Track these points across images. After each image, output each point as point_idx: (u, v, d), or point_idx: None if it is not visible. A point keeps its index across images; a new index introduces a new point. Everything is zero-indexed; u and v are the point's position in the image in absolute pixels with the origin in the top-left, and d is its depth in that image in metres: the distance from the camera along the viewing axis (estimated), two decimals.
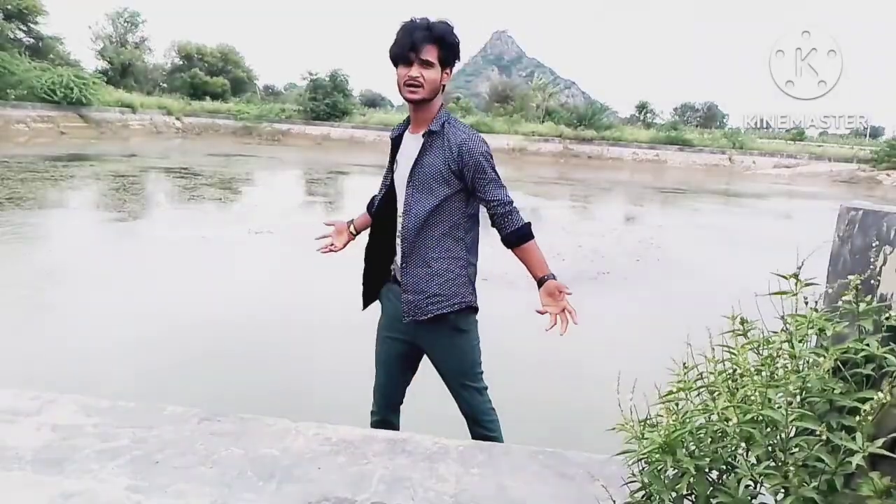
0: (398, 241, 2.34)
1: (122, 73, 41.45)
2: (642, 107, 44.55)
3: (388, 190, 2.40)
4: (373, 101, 55.93)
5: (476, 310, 2.38)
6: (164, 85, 45.60)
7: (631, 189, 21.33)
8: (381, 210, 2.43)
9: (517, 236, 2.26)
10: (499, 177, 2.25)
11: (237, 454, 2.05)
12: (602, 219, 13.49)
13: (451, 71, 2.24)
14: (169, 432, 2.16)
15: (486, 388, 2.45)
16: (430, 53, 2.15)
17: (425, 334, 2.35)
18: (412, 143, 2.31)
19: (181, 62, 46.44)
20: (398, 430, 2.54)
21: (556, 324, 2.17)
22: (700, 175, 29.15)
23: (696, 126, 46.36)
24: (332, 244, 2.62)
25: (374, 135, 35.68)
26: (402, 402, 2.60)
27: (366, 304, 2.53)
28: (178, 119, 34.50)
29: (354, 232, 2.63)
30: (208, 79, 43.07)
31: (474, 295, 2.35)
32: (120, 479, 1.87)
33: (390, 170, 2.41)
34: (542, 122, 37.45)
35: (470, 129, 2.28)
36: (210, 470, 1.95)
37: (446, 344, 2.36)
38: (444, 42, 2.16)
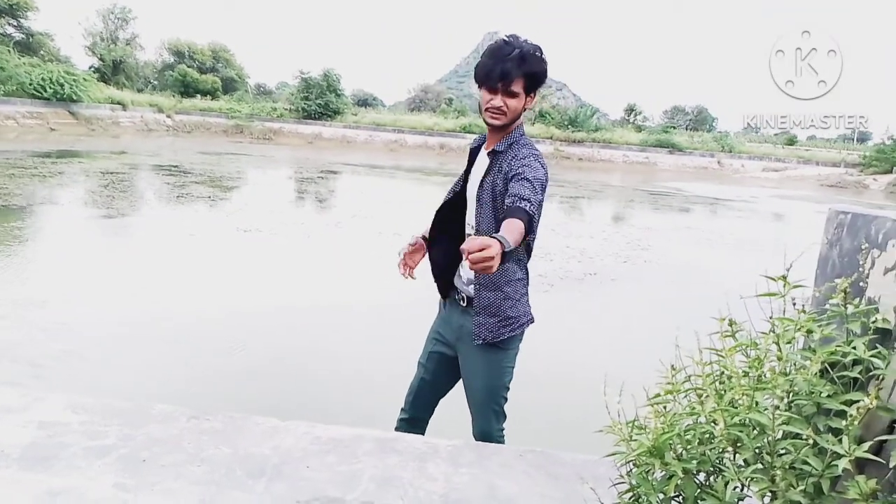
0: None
1: (112, 69, 41.23)
2: (630, 109, 44.74)
3: (458, 196, 2.35)
4: (364, 101, 56.01)
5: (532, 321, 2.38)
6: (155, 82, 45.40)
7: (620, 191, 21.41)
8: (447, 213, 2.38)
9: (515, 209, 1.93)
10: (537, 191, 2.02)
11: (226, 452, 2.05)
12: (591, 220, 13.53)
13: (535, 94, 2.19)
14: (157, 430, 2.14)
15: (504, 417, 2.41)
16: (518, 84, 2.11)
17: (471, 347, 2.32)
18: (483, 160, 2.30)
19: (172, 59, 46.22)
20: (424, 433, 2.52)
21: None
22: (689, 178, 29.29)
23: (686, 129, 46.62)
24: (409, 267, 2.50)
25: (365, 134, 35.65)
26: (434, 409, 2.56)
27: (444, 295, 2.45)
28: (168, 117, 34.29)
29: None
30: (199, 76, 42.85)
31: (530, 307, 2.38)
32: (107, 477, 1.86)
33: (464, 179, 2.35)
34: (534, 123, 37.51)
35: (533, 151, 2.17)
36: (198, 468, 1.94)
37: (489, 359, 2.31)
38: (532, 74, 2.12)
